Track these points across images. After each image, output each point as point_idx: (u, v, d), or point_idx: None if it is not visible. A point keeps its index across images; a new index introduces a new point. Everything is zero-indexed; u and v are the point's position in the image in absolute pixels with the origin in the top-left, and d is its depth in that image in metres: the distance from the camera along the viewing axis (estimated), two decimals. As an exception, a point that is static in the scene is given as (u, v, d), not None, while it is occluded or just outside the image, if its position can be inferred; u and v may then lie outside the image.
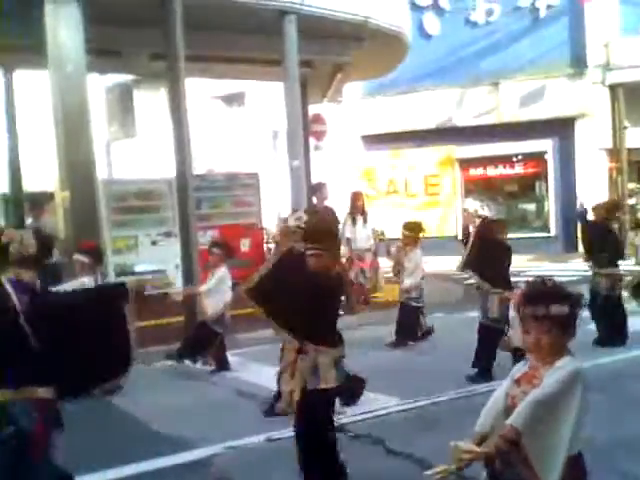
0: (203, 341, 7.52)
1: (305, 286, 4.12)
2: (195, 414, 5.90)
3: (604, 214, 8.14)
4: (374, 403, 6.02)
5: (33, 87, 13.34)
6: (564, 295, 2.84)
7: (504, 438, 2.69)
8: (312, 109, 14.05)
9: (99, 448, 5.24)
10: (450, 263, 18.55)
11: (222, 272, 7.59)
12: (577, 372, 2.80)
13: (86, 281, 6.80)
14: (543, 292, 2.86)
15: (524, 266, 15.39)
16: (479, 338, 6.91)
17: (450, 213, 20.71)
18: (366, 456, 4.89)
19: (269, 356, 7.84)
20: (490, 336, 6.78)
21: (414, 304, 8.60)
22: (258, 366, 7.70)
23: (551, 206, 19.68)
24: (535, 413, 2.70)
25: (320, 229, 4.60)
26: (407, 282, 8.56)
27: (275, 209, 14.36)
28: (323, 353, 4.18)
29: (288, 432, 5.35)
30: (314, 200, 11.39)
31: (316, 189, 11.47)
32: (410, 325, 8.58)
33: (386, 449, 4.94)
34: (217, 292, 7.55)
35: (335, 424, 4.40)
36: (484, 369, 6.65)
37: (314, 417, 4.24)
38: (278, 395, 4.87)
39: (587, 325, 9.06)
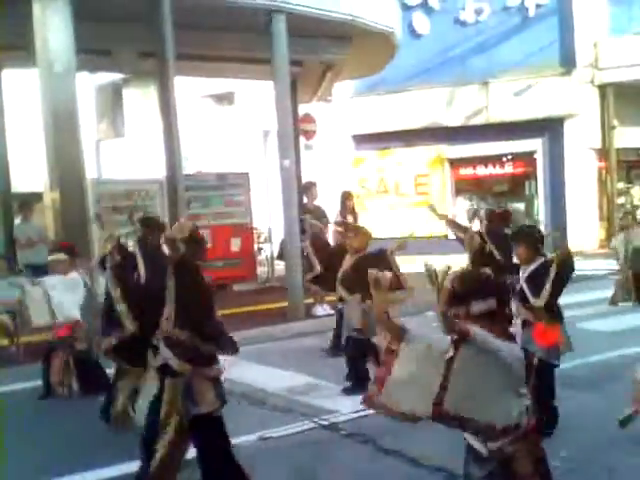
0: None
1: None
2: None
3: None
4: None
5: (22, 86, 13.26)
6: (488, 289, 2.83)
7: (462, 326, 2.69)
8: (302, 108, 14.03)
9: (87, 448, 5.21)
10: (440, 262, 18.60)
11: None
12: (519, 353, 2.83)
13: (75, 276, 6.73)
14: (465, 291, 2.83)
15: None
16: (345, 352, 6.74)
17: (441, 212, 20.72)
18: (358, 454, 4.88)
19: (259, 355, 7.85)
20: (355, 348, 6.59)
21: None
22: (248, 365, 7.68)
23: (541, 205, 19.75)
24: (484, 344, 2.70)
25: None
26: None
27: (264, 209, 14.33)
28: (198, 373, 3.81)
29: (280, 431, 5.36)
30: (304, 199, 11.38)
31: (306, 188, 11.47)
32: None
33: (377, 447, 4.93)
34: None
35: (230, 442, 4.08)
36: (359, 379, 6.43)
37: (212, 443, 3.93)
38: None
39: (580, 323, 9.12)
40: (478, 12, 19.77)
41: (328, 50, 12.31)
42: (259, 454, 4.95)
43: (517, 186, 20.59)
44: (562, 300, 5.24)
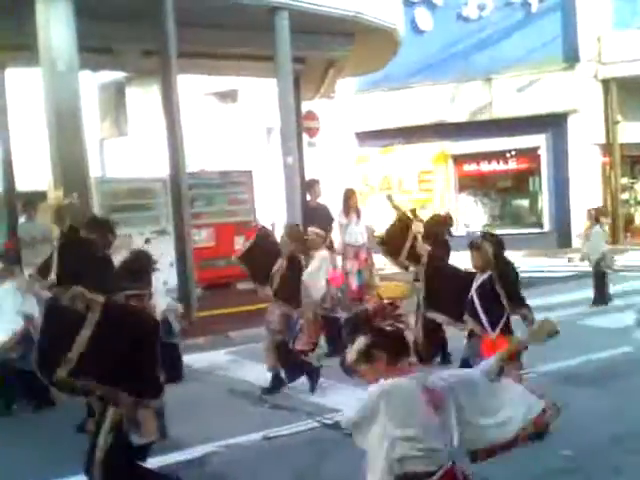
0: None
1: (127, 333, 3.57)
2: (188, 413, 5.88)
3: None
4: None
5: (25, 85, 13.28)
6: (355, 336, 2.73)
7: None
8: (305, 106, 14.01)
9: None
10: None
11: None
12: (378, 392, 2.67)
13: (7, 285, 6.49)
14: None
15: (518, 262, 15.39)
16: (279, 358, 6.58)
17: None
18: (361, 453, 4.88)
19: (261, 354, 7.84)
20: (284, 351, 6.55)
21: (331, 315, 7.94)
22: (251, 364, 7.70)
23: (544, 202, 19.71)
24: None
25: (138, 268, 4.27)
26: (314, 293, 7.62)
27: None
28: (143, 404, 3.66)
29: (284, 430, 5.37)
30: (308, 197, 11.36)
31: (310, 186, 11.45)
32: (334, 337, 7.78)
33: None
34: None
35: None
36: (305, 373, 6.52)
37: (125, 475, 3.76)
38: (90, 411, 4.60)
39: (582, 320, 9.12)
40: (481, 8, 19.73)
41: (331, 47, 12.28)
42: (262, 453, 4.96)
43: (521, 182, 20.57)
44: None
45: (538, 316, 8.52)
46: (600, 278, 10.17)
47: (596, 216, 10.52)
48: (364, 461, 2.75)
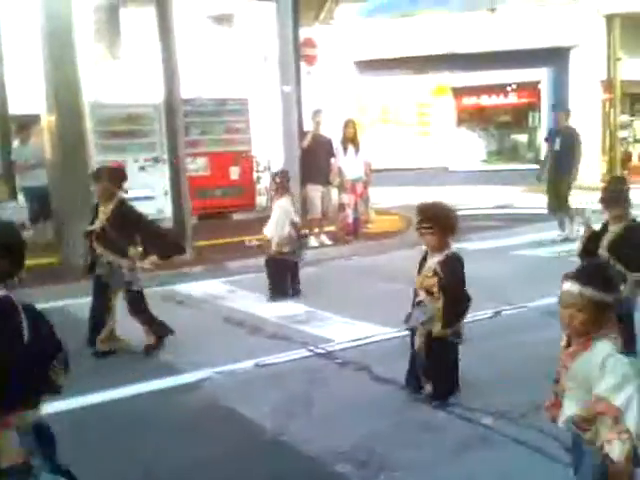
0: None
1: None
2: (183, 340, 5.95)
3: None
4: (362, 331, 6.09)
5: (19, 6, 12.93)
6: None
7: None
8: (304, 33, 13.70)
9: (88, 372, 5.29)
10: (440, 194, 18.51)
11: None
12: None
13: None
14: None
15: (516, 197, 15.41)
16: None
17: (442, 143, 20.59)
18: (352, 381, 4.98)
19: (257, 284, 7.92)
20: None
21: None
22: (246, 293, 7.77)
23: (543, 137, 19.54)
24: None
25: None
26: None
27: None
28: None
29: (276, 358, 5.45)
30: (312, 127, 11.16)
31: (313, 116, 11.21)
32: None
33: (372, 375, 5.02)
34: None
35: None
36: None
37: None
38: None
39: (574, 256, 9.15)
40: None
41: (332, -29, 11.98)
42: (255, 379, 5.04)
43: (520, 117, 20.40)
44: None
45: (536, 251, 8.53)
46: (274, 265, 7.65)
47: (281, 185, 7.72)
48: None
